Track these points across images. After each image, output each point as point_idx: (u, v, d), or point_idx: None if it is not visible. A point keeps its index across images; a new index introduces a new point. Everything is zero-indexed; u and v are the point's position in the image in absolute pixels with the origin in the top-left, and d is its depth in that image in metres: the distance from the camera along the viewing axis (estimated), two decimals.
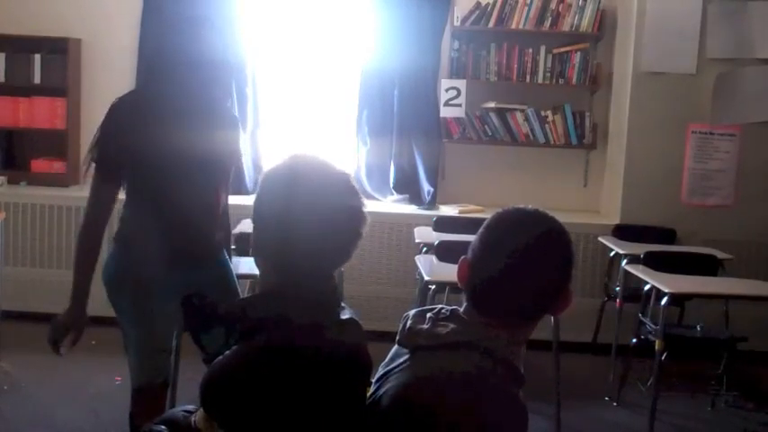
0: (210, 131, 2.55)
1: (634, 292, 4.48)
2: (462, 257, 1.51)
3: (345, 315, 1.54)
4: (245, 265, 3.42)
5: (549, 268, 1.47)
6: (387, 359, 1.54)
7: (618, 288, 4.66)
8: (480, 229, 1.51)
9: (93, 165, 2.53)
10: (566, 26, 5.32)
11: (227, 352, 1.45)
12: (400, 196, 5.54)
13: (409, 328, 1.51)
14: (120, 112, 2.50)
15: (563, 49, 5.36)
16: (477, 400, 1.37)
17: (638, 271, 4.19)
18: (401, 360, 1.49)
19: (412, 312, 1.55)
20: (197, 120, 2.52)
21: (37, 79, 5.33)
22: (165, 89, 2.50)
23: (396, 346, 1.53)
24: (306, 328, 1.44)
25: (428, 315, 1.51)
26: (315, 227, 1.46)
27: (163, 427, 1.54)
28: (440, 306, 1.55)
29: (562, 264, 1.48)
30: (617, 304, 4.65)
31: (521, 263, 1.44)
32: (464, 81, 5.29)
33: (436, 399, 1.37)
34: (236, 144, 2.78)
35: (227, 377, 1.40)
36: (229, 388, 1.39)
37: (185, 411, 1.58)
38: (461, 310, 1.51)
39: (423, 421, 1.37)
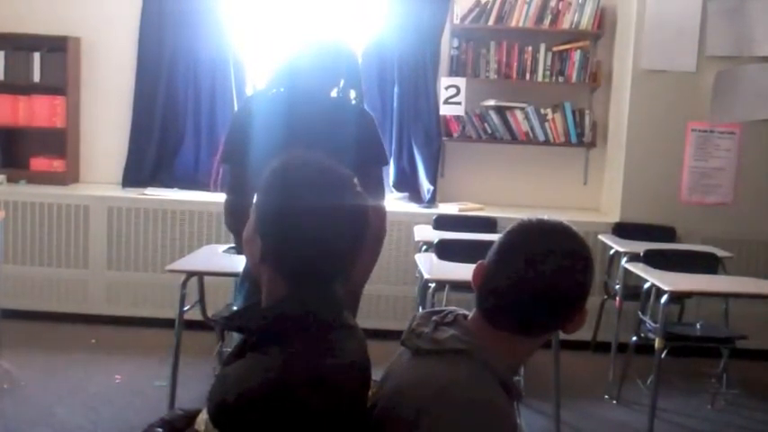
0: (332, 129, 2.61)
1: (634, 290, 4.48)
2: (480, 261, 1.48)
3: (349, 320, 1.53)
4: None
5: (562, 288, 1.41)
6: (395, 356, 1.54)
7: (618, 286, 4.66)
8: (500, 236, 1.47)
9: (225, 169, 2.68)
10: (565, 24, 5.31)
11: (237, 366, 1.42)
12: (400, 194, 5.54)
13: (412, 329, 1.50)
14: (244, 112, 2.68)
15: (563, 47, 5.36)
16: (461, 413, 1.34)
17: (637, 269, 4.19)
18: (403, 360, 1.49)
19: (419, 313, 1.54)
20: (318, 118, 2.61)
21: (36, 78, 5.33)
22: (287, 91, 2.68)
23: (402, 347, 1.53)
24: (315, 342, 1.42)
25: (433, 318, 1.49)
26: (315, 228, 1.44)
27: (160, 430, 1.53)
28: (449, 309, 1.52)
29: (576, 285, 1.43)
30: (617, 302, 4.66)
31: (535, 278, 1.39)
32: (464, 79, 5.29)
33: (422, 405, 1.35)
34: (365, 140, 2.74)
35: (238, 397, 1.36)
36: (241, 408, 1.35)
37: (185, 414, 1.57)
38: (470, 315, 1.49)
39: (409, 426, 1.35)
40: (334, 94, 2.78)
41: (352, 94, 2.77)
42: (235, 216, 2.69)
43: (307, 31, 2.79)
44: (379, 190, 2.82)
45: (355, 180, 1.53)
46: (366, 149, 2.71)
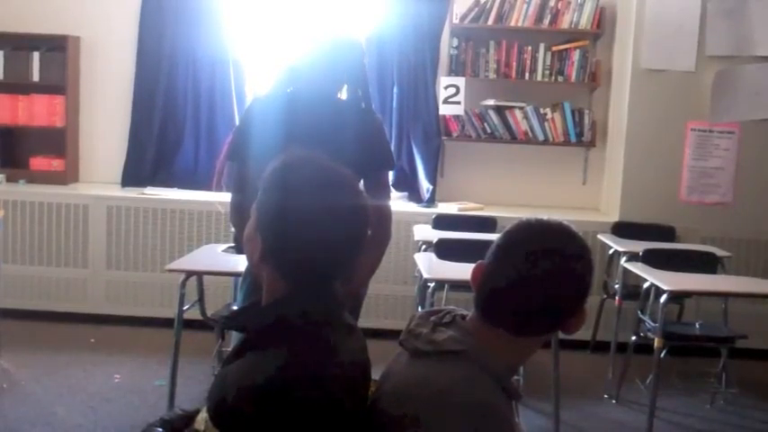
0: (336, 130, 2.61)
1: (633, 289, 4.48)
2: (479, 261, 1.47)
3: (348, 319, 1.52)
4: None
5: (561, 287, 1.41)
6: (394, 356, 1.53)
7: (617, 286, 4.66)
8: (499, 236, 1.47)
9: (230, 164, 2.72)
10: (565, 23, 5.31)
11: (237, 365, 1.41)
12: (400, 194, 5.54)
13: (410, 330, 1.49)
14: (251, 112, 2.71)
15: (562, 47, 5.36)
16: (459, 416, 1.34)
17: (637, 269, 4.19)
18: (402, 361, 1.48)
19: (417, 314, 1.54)
20: (322, 120, 2.63)
21: (36, 77, 5.33)
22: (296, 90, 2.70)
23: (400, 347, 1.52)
24: (315, 341, 1.41)
25: (431, 318, 1.49)
26: (315, 227, 1.44)
27: (160, 429, 1.53)
28: (447, 309, 1.51)
29: (576, 285, 1.42)
30: (616, 302, 4.66)
31: (534, 278, 1.38)
32: (463, 79, 5.29)
33: (421, 408, 1.35)
34: (370, 143, 2.72)
35: (238, 396, 1.36)
36: (241, 407, 1.35)
37: (185, 414, 1.57)
38: (468, 315, 1.48)
39: (408, 428, 1.35)
40: (343, 95, 2.78)
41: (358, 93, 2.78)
42: (240, 214, 2.70)
43: (310, 31, 2.80)
44: (384, 194, 2.80)
45: (356, 180, 1.53)
46: (371, 153, 2.69)
